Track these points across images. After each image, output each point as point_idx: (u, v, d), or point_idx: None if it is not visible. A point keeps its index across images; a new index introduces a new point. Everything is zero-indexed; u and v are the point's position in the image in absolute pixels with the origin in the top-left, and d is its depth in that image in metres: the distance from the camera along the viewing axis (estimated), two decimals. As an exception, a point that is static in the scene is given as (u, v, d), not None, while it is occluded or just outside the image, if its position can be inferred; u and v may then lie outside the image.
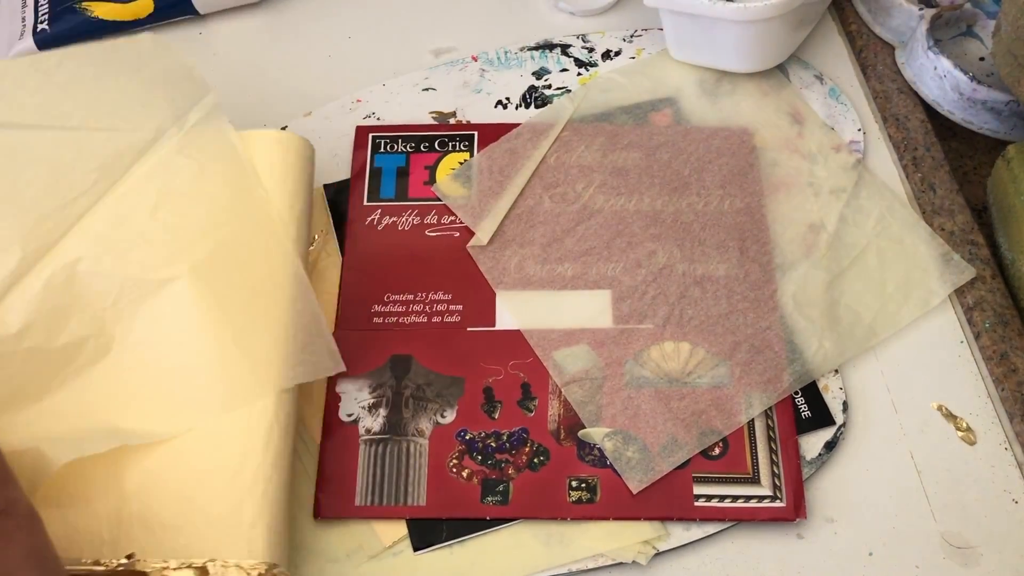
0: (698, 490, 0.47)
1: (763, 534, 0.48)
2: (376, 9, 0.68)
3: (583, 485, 0.48)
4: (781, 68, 0.63)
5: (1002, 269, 0.54)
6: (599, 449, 0.49)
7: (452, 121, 0.61)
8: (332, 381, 0.51)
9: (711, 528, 0.47)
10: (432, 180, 0.58)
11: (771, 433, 0.49)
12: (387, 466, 0.48)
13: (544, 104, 0.62)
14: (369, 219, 0.56)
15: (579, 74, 0.63)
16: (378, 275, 0.54)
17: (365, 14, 0.68)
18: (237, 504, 0.43)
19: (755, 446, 0.49)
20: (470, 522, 0.48)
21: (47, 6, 0.66)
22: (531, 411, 0.50)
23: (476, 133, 0.60)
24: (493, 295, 0.53)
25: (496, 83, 0.63)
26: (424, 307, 0.53)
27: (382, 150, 0.59)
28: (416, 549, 0.47)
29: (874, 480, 0.49)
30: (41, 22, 0.66)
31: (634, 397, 0.50)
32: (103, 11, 0.65)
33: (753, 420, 0.49)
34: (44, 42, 0.65)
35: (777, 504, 0.47)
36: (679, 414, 0.49)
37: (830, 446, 0.49)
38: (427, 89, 0.63)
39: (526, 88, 0.63)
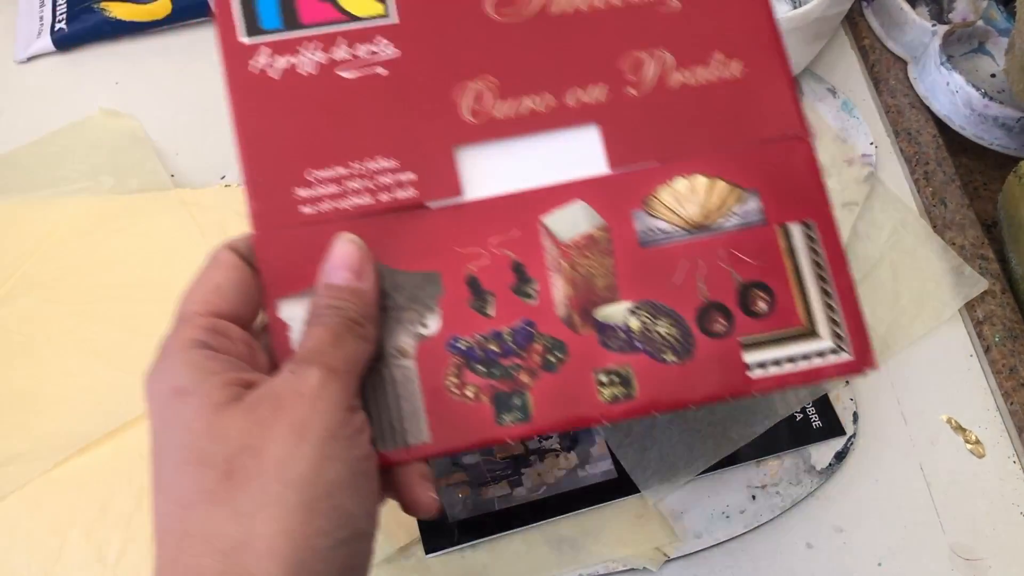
0: (749, 358, 0.37)
1: (773, 542, 0.48)
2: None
3: (615, 378, 0.37)
4: (795, 81, 0.63)
5: (1012, 284, 0.55)
6: (625, 330, 0.38)
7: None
8: (272, 306, 0.36)
9: (721, 536, 0.48)
10: None
11: (820, 271, 0.39)
12: (371, 405, 0.36)
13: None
14: (254, 64, 0.38)
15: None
16: (290, 146, 0.38)
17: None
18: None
19: (805, 290, 0.38)
20: (482, 523, 0.48)
21: (65, 5, 0.67)
22: (532, 297, 0.38)
23: None
24: (451, 152, 0.38)
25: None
26: (364, 182, 0.38)
27: None
28: (428, 552, 0.47)
29: (883, 491, 0.49)
30: (59, 21, 0.66)
31: (655, 257, 0.39)
32: (121, 11, 0.66)
33: (797, 254, 0.38)
34: (61, 41, 0.66)
35: (843, 357, 0.38)
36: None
37: (840, 456, 0.50)
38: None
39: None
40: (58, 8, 0.67)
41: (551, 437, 0.50)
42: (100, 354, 0.51)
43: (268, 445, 0.29)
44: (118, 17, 0.66)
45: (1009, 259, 0.55)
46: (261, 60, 0.39)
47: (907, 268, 0.55)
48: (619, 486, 0.49)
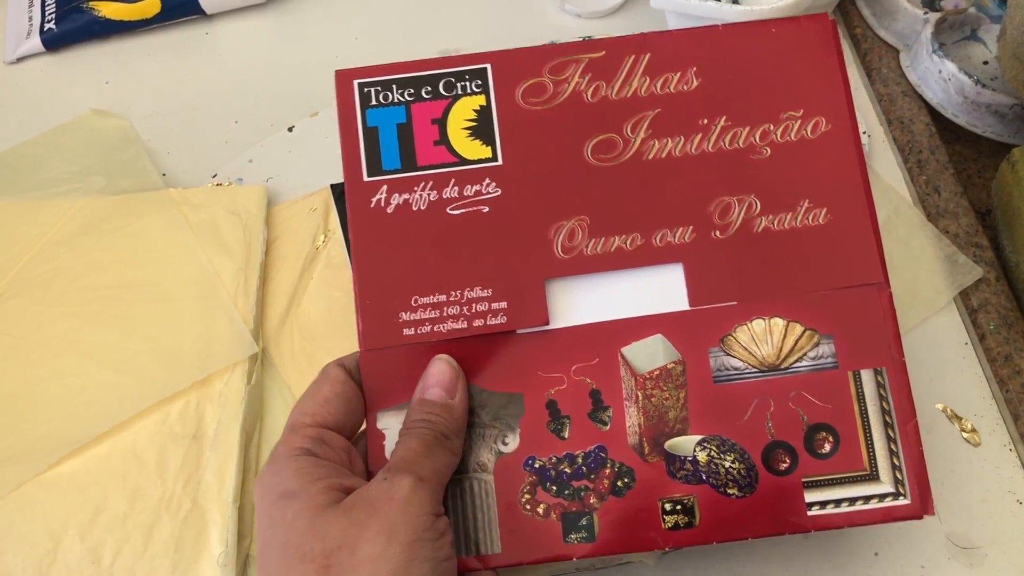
0: (810, 497, 0.40)
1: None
2: (382, 10, 0.68)
3: (679, 507, 0.40)
4: (786, 71, 0.63)
5: (1006, 272, 0.55)
6: (692, 462, 0.40)
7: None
8: (372, 417, 0.41)
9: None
10: (444, 139, 0.44)
11: (887, 417, 0.41)
12: (451, 512, 0.40)
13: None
14: (374, 200, 0.43)
15: (585, 76, 0.63)
16: (398, 274, 0.42)
17: (371, 15, 0.68)
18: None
19: (870, 435, 0.40)
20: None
21: (54, 5, 0.66)
22: (606, 424, 0.41)
23: (489, 65, 0.44)
24: (542, 284, 0.42)
25: (502, 84, 0.63)
26: (461, 309, 0.42)
27: (373, 102, 0.44)
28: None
29: (879, 481, 0.49)
30: (48, 21, 0.66)
31: (726, 394, 0.41)
32: (110, 11, 0.66)
33: (865, 400, 0.40)
34: (51, 41, 0.66)
35: (901, 502, 0.40)
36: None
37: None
38: (433, 90, 0.63)
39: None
40: (47, 8, 0.67)
41: None
42: (93, 355, 0.51)
43: (362, 544, 0.33)
44: (107, 16, 0.66)
45: (1003, 247, 0.55)
46: (380, 196, 0.43)
47: (901, 257, 0.55)
48: None
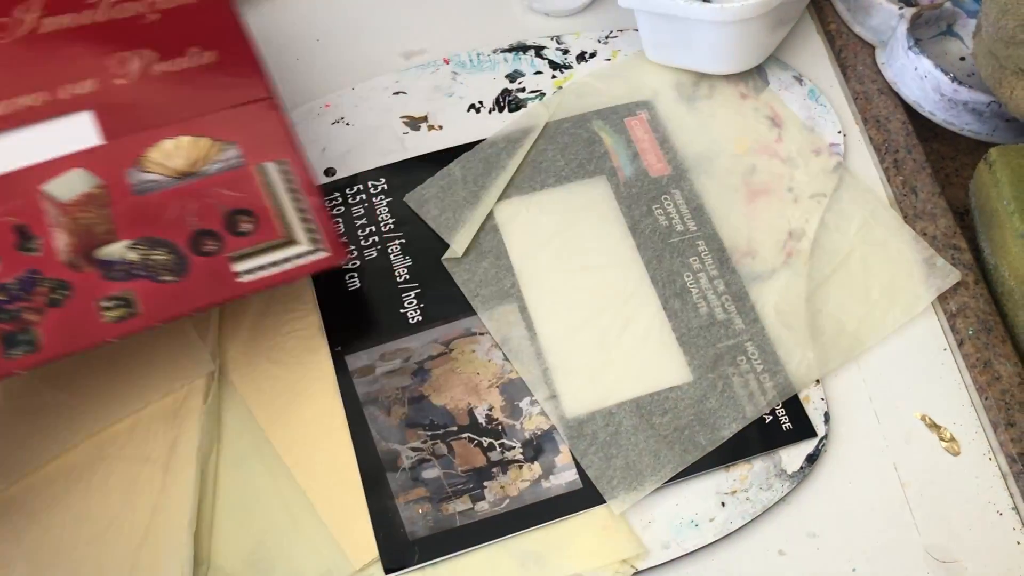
0: (238, 267, 0.46)
1: (744, 550, 0.47)
2: (345, 11, 0.66)
3: (119, 302, 0.45)
4: (759, 69, 0.61)
5: (985, 274, 0.53)
6: (125, 263, 0.46)
7: (423, 127, 0.60)
8: None
9: (690, 545, 0.46)
10: None
11: (296, 195, 0.48)
12: None
13: (518, 108, 0.60)
14: None
15: (554, 76, 0.62)
16: None
17: (333, 16, 0.66)
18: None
19: (282, 209, 0.48)
20: (444, 540, 0.46)
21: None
22: (37, 251, 0.45)
23: None
24: None
25: (469, 86, 0.61)
26: None
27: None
28: (387, 572, 0.46)
29: (857, 493, 0.48)
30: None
31: (149, 203, 0.47)
32: None
33: (273, 185, 0.49)
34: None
35: (320, 255, 0.47)
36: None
37: (812, 459, 0.48)
38: (398, 93, 0.61)
39: (499, 91, 0.61)
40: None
41: (514, 447, 0.49)
42: (46, 377, 0.49)
43: None
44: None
45: (982, 249, 0.54)
46: None
47: (878, 260, 0.54)
48: (585, 496, 0.48)
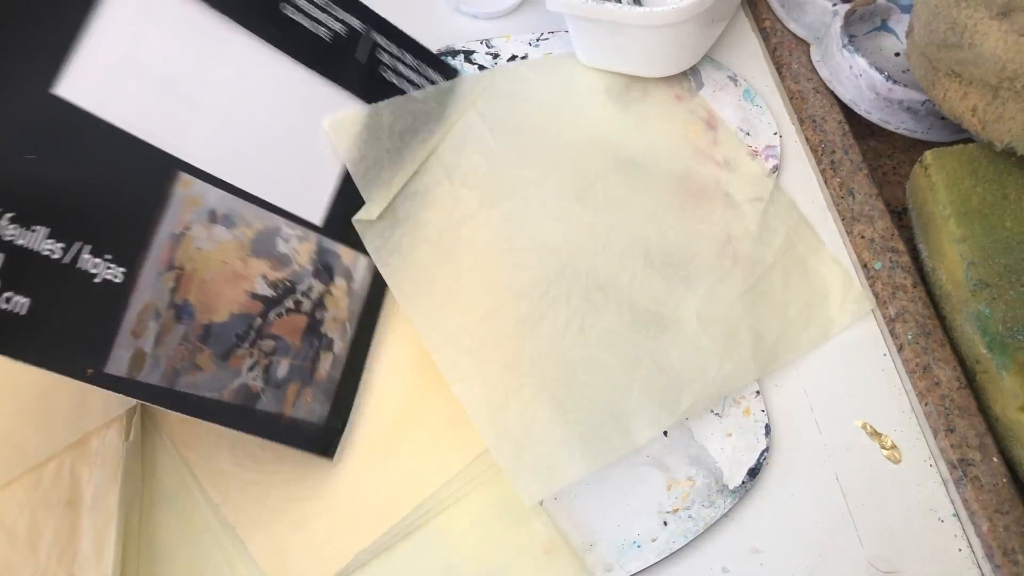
0: None
1: (687, 569, 0.46)
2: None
3: None
4: (694, 70, 0.60)
5: (923, 276, 0.53)
6: None
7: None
8: None
9: (633, 567, 0.45)
10: None
11: None
12: None
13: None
14: None
15: (485, 81, 0.60)
16: None
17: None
18: None
19: None
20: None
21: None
22: None
23: None
24: None
25: (398, 94, 0.59)
26: None
27: None
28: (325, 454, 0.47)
29: (800, 506, 0.47)
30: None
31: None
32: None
33: None
34: None
35: None
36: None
37: (753, 472, 0.48)
38: (324, 103, 0.59)
39: (429, 99, 0.59)
40: None
41: (312, 286, 0.48)
42: None
43: None
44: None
45: (920, 251, 0.53)
46: None
47: (796, 279, 0.53)
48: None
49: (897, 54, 0.61)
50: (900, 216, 0.57)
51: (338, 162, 0.50)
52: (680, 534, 0.46)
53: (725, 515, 0.47)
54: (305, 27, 0.49)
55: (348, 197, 0.50)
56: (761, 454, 0.48)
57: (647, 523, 0.46)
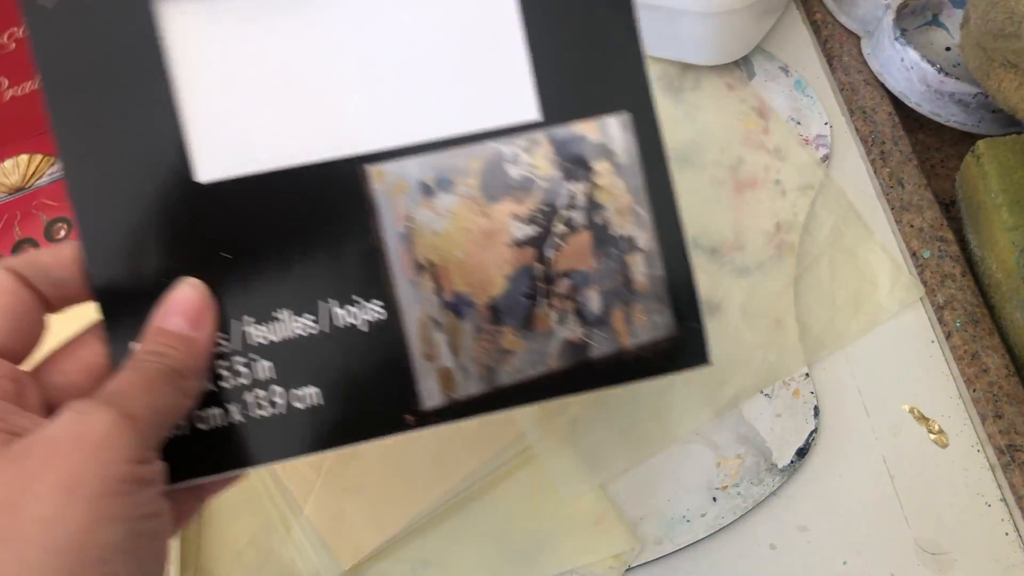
0: None
1: (736, 545, 0.47)
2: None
3: None
4: (746, 60, 0.61)
5: (972, 266, 0.54)
6: None
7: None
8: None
9: (682, 541, 0.46)
10: None
11: None
12: None
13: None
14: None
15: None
16: None
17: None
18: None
19: None
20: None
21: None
22: None
23: None
24: None
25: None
26: None
27: None
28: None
29: (847, 486, 0.48)
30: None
31: None
32: None
33: None
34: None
35: None
36: None
37: (802, 452, 0.48)
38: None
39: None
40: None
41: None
42: None
43: (31, 501, 0.24)
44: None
45: (969, 241, 0.54)
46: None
47: (844, 268, 0.54)
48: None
49: (948, 48, 0.62)
50: (948, 208, 0.57)
51: (515, 29, 0.37)
52: (729, 510, 0.47)
53: (773, 493, 0.47)
54: None
55: (551, 61, 0.37)
56: (810, 435, 0.49)
57: (697, 499, 0.47)
